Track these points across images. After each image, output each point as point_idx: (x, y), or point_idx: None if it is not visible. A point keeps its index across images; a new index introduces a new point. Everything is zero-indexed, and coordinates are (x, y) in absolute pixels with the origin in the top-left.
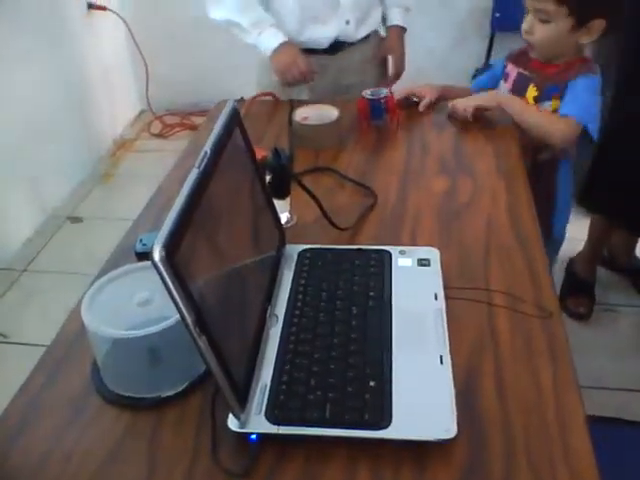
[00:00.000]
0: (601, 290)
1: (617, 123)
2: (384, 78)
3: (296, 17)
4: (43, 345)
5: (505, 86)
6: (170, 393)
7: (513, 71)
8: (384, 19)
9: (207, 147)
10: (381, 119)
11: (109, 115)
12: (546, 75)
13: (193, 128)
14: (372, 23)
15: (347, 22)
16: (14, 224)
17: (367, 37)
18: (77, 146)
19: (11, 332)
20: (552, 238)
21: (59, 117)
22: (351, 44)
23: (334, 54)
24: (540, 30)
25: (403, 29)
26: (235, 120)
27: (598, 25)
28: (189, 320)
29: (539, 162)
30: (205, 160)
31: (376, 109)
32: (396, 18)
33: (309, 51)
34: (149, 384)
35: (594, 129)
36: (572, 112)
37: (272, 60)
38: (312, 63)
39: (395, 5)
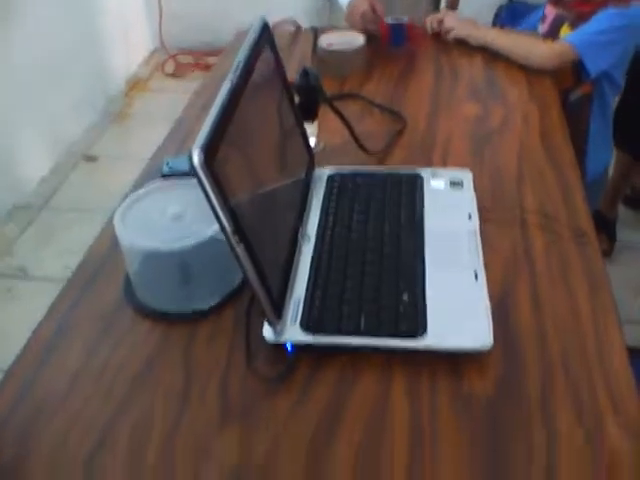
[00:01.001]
0: (622, 228)
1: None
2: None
3: None
4: (62, 280)
5: (541, 28)
6: (203, 307)
7: (551, 13)
8: None
9: (240, 58)
10: (402, 44)
11: (123, 53)
12: (581, 12)
13: (207, 68)
14: None
15: None
16: (30, 162)
17: None
18: (91, 85)
19: (31, 268)
20: (585, 181)
21: (73, 55)
22: None
23: None
24: None
25: None
26: (266, 36)
27: None
28: (227, 227)
29: (570, 101)
30: (238, 72)
31: (397, 34)
32: None
33: None
34: (182, 298)
35: (593, 61)
36: (569, 38)
37: (347, 6)
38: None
39: None
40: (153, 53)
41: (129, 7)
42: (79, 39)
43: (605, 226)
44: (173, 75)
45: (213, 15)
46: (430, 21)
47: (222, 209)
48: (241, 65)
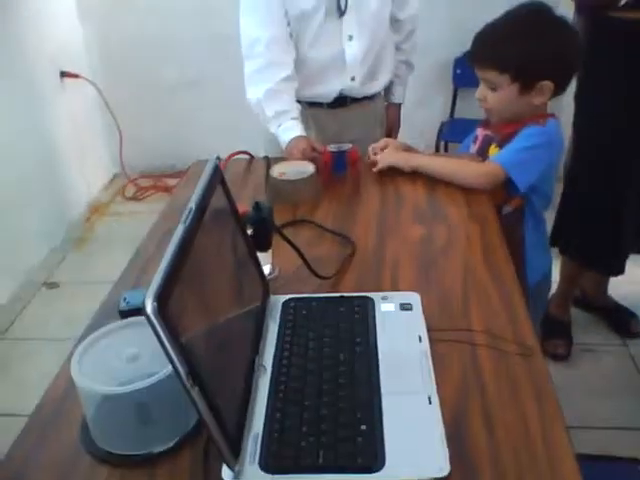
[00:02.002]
0: (578, 330)
1: (580, 166)
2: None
3: (301, 73)
4: (22, 415)
5: (473, 148)
6: (161, 449)
7: (481, 134)
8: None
9: (192, 203)
10: (343, 171)
11: (83, 180)
12: (506, 134)
13: (167, 190)
14: (378, 85)
15: (352, 79)
16: None
17: (372, 96)
18: (51, 211)
19: None
20: (528, 288)
21: (32, 183)
22: (354, 100)
23: (337, 108)
24: (491, 97)
25: (401, 105)
26: (217, 176)
27: (547, 86)
28: (182, 371)
29: (504, 215)
30: (190, 215)
31: (339, 162)
32: (398, 96)
33: (312, 104)
34: (140, 440)
35: (521, 178)
36: (497, 158)
37: (285, 148)
38: (316, 152)
39: (398, 82)
40: (114, 178)
41: (88, 134)
42: (39, 167)
43: (561, 330)
44: (134, 198)
45: (171, 139)
46: (371, 149)
47: (176, 354)
48: (193, 209)
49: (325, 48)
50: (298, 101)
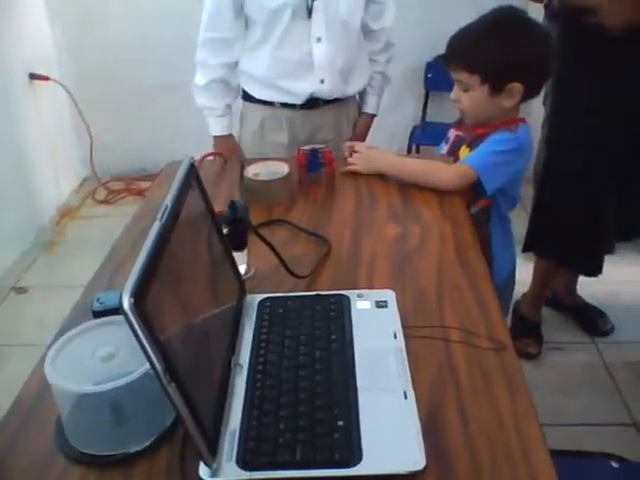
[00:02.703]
0: (548, 329)
1: (554, 169)
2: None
3: (271, 73)
4: None
5: (444, 148)
6: (137, 448)
7: (453, 134)
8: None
9: (168, 201)
10: (318, 172)
11: (52, 183)
12: (476, 135)
13: (139, 193)
14: (350, 90)
15: (322, 81)
16: None
17: (345, 99)
18: (20, 215)
19: None
20: (496, 286)
21: (1, 186)
22: (327, 102)
23: (309, 110)
24: (464, 98)
25: (374, 116)
26: (192, 175)
27: (517, 89)
28: (159, 368)
29: (471, 215)
30: (166, 213)
31: (313, 161)
32: (371, 106)
33: (285, 105)
34: (115, 440)
35: (489, 181)
36: (468, 160)
37: (213, 141)
38: (239, 154)
39: (372, 92)
40: (84, 181)
41: (59, 137)
42: (8, 170)
43: (532, 329)
44: (105, 202)
45: (143, 142)
46: (347, 149)
47: (153, 350)
48: (169, 206)
49: (293, 48)
50: (270, 102)
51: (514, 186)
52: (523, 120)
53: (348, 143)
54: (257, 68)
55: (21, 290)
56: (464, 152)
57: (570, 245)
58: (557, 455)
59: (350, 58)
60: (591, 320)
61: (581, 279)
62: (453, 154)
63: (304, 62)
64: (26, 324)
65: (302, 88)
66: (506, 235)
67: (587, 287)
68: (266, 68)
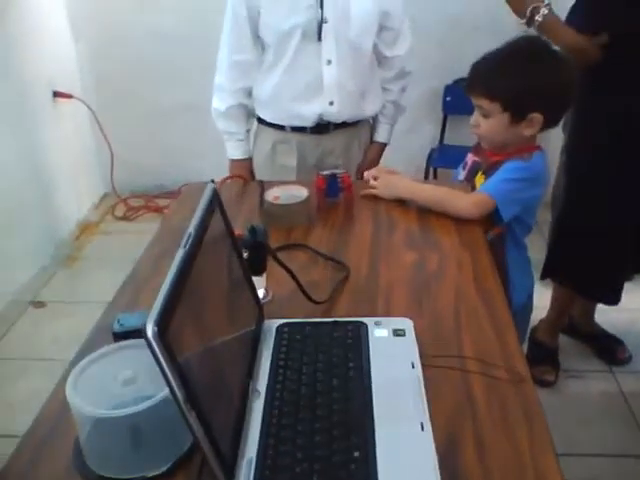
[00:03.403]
0: (565, 356)
1: (573, 197)
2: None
3: (281, 95)
4: (12, 435)
5: (462, 174)
6: (155, 473)
7: (470, 159)
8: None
9: (191, 228)
10: (337, 196)
11: (73, 199)
12: (492, 162)
13: (157, 210)
14: (361, 114)
15: (331, 103)
16: None
17: (355, 123)
18: (40, 230)
19: None
20: (513, 310)
21: (23, 201)
22: (337, 126)
23: (320, 134)
24: (483, 124)
25: (385, 144)
26: (215, 201)
27: (537, 119)
28: (180, 396)
29: (489, 240)
30: (190, 240)
31: (332, 186)
32: (382, 135)
33: (296, 129)
34: (133, 464)
35: (505, 209)
36: (483, 188)
37: (229, 163)
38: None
39: (384, 121)
40: (104, 197)
41: (80, 153)
42: (29, 185)
43: (548, 356)
44: (124, 218)
45: (162, 160)
46: (369, 176)
47: (175, 379)
48: (192, 234)
49: (304, 70)
50: (281, 126)
51: (529, 213)
52: (539, 148)
53: (367, 172)
54: (268, 91)
55: (40, 304)
56: (480, 179)
57: (590, 272)
58: None
59: (361, 81)
60: (609, 348)
61: (599, 307)
62: (470, 180)
63: (314, 84)
64: (44, 339)
65: (311, 110)
66: (522, 261)
67: (605, 315)
68: (277, 90)
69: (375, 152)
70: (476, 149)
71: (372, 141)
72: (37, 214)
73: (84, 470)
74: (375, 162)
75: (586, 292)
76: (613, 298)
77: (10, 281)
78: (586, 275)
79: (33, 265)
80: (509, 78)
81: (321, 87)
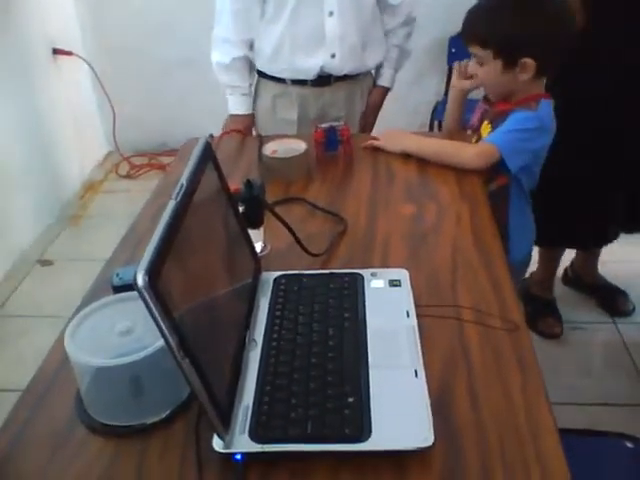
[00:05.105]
0: (568, 309)
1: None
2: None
3: (282, 48)
4: (18, 390)
5: (472, 120)
6: (154, 420)
7: (481, 107)
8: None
9: (183, 179)
10: (335, 149)
11: (76, 158)
12: (498, 111)
13: (161, 168)
14: (362, 65)
15: (332, 55)
16: None
17: (356, 75)
18: (45, 189)
19: None
20: (510, 264)
21: (26, 161)
22: (338, 78)
23: (321, 87)
24: (480, 72)
25: (389, 89)
26: (208, 154)
27: (529, 64)
28: (172, 343)
29: (489, 192)
30: (181, 192)
31: (331, 140)
32: (385, 79)
33: (296, 82)
34: (133, 412)
35: (512, 159)
36: (489, 139)
37: (229, 117)
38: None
39: (387, 65)
40: (107, 156)
41: (82, 112)
42: (32, 145)
43: (550, 309)
44: (127, 176)
45: (164, 117)
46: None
47: (167, 326)
48: (184, 185)
49: (305, 22)
50: (282, 79)
51: (537, 164)
52: (546, 95)
53: (367, 143)
54: (269, 43)
55: (46, 262)
56: (486, 128)
57: (564, 221)
58: (572, 434)
59: (363, 33)
60: (612, 300)
61: (602, 259)
62: (477, 128)
63: (315, 36)
64: (51, 296)
65: (312, 62)
66: (525, 214)
67: (608, 266)
68: (278, 43)
69: (377, 96)
70: (486, 97)
71: (374, 85)
72: (41, 174)
73: (86, 418)
74: (377, 107)
75: (565, 242)
76: (597, 241)
77: (17, 240)
78: (560, 226)
79: (39, 224)
80: (498, 24)
81: (323, 39)
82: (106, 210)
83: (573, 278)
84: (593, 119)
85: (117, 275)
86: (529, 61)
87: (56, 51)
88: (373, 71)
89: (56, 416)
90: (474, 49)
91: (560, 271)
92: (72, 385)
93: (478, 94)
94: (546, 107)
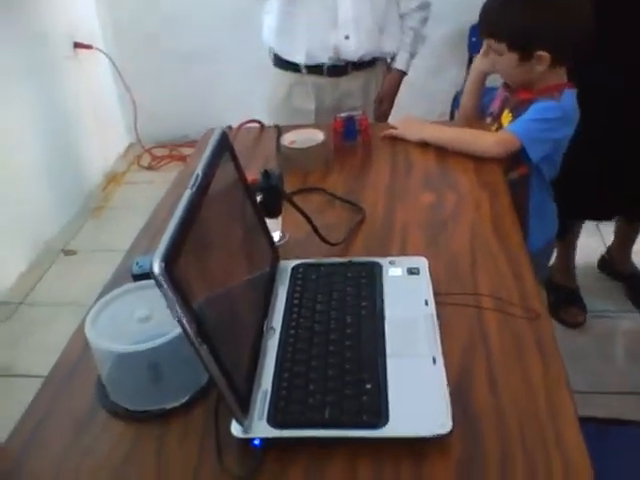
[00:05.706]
0: (594, 297)
1: None
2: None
3: (295, 26)
4: (43, 376)
5: (492, 108)
6: (174, 405)
7: (502, 95)
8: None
9: (198, 170)
10: (354, 139)
11: (99, 150)
12: (519, 100)
13: (182, 159)
14: (378, 49)
15: (346, 37)
16: (8, 259)
17: (372, 63)
18: (68, 181)
19: (11, 365)
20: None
21: (49, 154)
22: (355, 67)
23: (337, 77)
24: (497, 62)
25: (404, 73)
26: (225, 144)
27: (544, 56)
28: (190, 330)
29: (510, 181)
30: (197, 182)
31: (349, 129)
32: (400, 62)
33: (312, 70)
34: (153, 397)
35: (534, 149)
36: (510, 127)
37: None
38: None
39: (403, 48)
40: (129, 148)
41: (103, 104)
42: (55, 138)
43: (574, 298)
44: (149, 168)
45: (185, 108)
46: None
47: (184, 313)
48: (200, 175)
49: (318, 2)
50: (297, 68)
51: (559, 153)
52: (570, 85)
53: (386, 132)
54: (284, 26)
55: (70, 252)
56: (507, 117)
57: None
58: (593, 422)
59: (378, 15)
60: (639, 290)
61: (637, 247)
62: (497, 116)
63: (328, 18)
64: (75, 285)
65: (326, 42)
66: (546, 203)
67: None
68: (291, 22)
69: (393, 79)
70: (506, 83)
71: (389, 69)
72: (65, 166)
73: (107, 404)
74: (392, 92)
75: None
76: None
77: (43, 231)
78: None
79: (64, 215)
80: (511, 17)
81: (336, 20)
82: (128, 201)
83: (605, 261)
84: (605, 117)
85: (137, 264)
86: (543, 54)
87: (77, 45)
88: (389, 59)
89: (78, 401)
90: (489, 41)
91: (592, 259)
92: (93, 371)
93: (498, 81)
94: (569, 97)
